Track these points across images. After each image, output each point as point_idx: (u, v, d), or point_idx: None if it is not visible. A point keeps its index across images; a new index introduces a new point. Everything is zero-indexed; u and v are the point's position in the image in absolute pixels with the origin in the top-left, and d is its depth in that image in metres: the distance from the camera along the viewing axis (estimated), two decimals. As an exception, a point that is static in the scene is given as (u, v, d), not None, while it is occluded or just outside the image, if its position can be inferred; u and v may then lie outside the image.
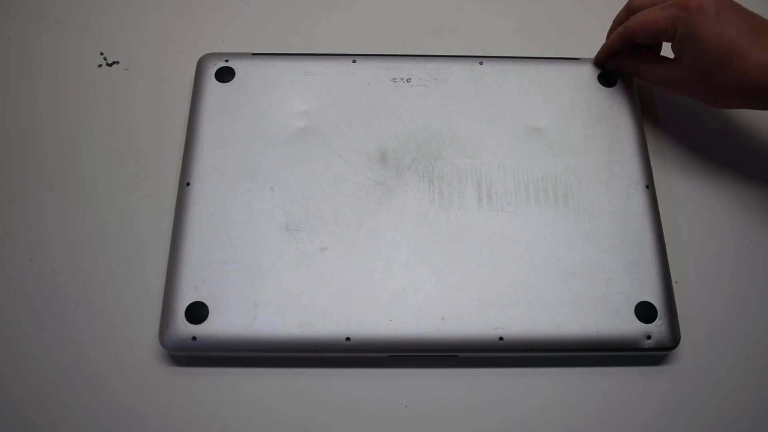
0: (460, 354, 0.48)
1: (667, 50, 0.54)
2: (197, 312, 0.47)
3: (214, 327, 0.47)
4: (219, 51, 0.57)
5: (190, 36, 0.61)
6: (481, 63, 0.57)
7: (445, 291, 0.48)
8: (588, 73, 0.57)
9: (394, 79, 0.56)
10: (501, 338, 0.47)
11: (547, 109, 0.55)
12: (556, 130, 0.54)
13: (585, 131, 0.54)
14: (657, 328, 0.48)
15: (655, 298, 0.49)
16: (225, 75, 0.56)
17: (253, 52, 0.57)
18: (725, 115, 0.58)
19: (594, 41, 0.57)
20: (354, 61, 0.56)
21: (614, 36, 0.54)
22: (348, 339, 0.47)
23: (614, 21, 0.56)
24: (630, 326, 0.48)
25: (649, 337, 0.48)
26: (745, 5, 0.50)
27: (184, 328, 0.47)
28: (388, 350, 0.48)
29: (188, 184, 0.51)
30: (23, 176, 0.55)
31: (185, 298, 0.48)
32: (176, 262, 0.49)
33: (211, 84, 0.55)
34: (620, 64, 0.56)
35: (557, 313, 0.48)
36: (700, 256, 0.53)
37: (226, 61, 0.56)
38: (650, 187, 0.52)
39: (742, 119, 0.58)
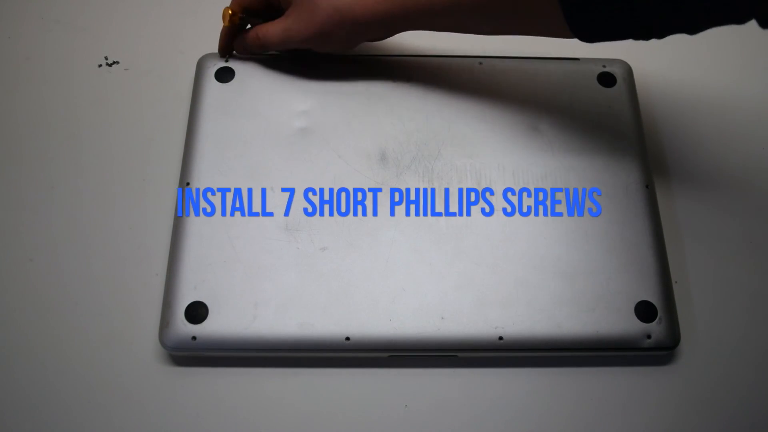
0: (460, 354, 0.48)
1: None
2: (197, 312, 0.47)
3: (214, 327, 0.47)
4: (219, 51, 0.57)
5: (190, 36, 0.61)
6: (480, 63, 0.57)
7: (445, 291, 0.48)
8: (588, 73, 0.57)
9: (394, 79, 0.56)
10: (501, 338, 0.47)
11: (547, 109, 0.55)
12: (556, 130, 0.54)
13: (585, 131, 0.54)
14: (657, 327, 0.48)
15: (655, 298, 0.49)
16: (225, 75, 0.56)
17: (253, 52, 0.57)
18: (725, 115, 0.58)
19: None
20: (355, 61, 0.56)
21: (226, 20, 0.54)
22: (348, 339, 0.47)
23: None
24: (630, 326, 0.48)
25: (649, 337, 0.48)
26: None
27: (183, 327, 0.47)
28: (388, 350, 0.48)
29: (188, 184, 0.51)
30: (23, 176, 0.55)
31: (185, 297, 0.48)
32: (176, 261, 0.49)
33: (211, 84, 0.55)
34: (242, 43, 0.55)
35: (557, 312, 0.48)
36: (700, 256, 0.53)
37: (226, 61, 0.56)
38: (650, 187, 0.52)
39: (743, 118, 0.58)
